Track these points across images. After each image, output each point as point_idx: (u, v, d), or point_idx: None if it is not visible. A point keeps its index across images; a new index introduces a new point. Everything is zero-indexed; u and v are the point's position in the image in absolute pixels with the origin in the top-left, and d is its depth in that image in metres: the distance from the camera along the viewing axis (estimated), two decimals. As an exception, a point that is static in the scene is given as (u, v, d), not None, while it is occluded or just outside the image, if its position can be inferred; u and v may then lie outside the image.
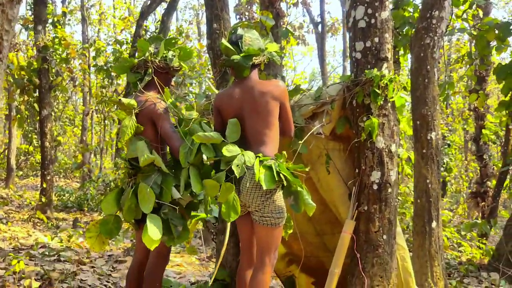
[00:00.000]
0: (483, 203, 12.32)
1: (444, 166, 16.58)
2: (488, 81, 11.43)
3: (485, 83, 11.15)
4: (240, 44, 4.09)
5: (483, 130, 10.80)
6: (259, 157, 3.85)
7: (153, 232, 3.73)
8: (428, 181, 6.07)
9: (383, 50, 4.53)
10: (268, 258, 3.95)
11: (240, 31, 4.15)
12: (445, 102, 11.06)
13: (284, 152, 3.95)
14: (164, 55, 4.22)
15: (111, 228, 3.99)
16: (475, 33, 8.48)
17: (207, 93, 5.76)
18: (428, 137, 6.08)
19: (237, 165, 3.75)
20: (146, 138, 4.00)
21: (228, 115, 4.07)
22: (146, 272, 4.16)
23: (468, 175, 21.18)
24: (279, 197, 3.90)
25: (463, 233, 10.80)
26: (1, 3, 2.44)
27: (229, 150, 3.80)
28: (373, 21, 4.53)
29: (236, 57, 4.06)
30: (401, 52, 9.74)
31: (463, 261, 8.53)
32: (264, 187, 3.72)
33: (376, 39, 4.52)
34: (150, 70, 4.17)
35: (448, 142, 17.23)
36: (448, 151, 17.03)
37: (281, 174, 3.79)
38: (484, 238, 9.96)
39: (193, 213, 4.31)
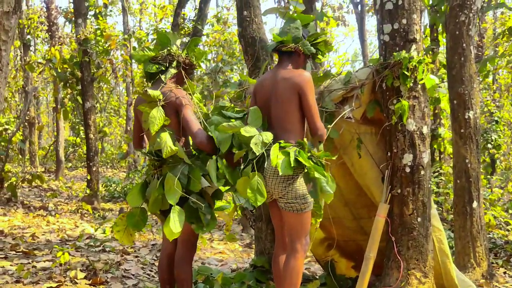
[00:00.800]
0: (532, 180, 12.01)
1: (492, 143, 16.27)
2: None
3: (532, 56, 10.88)
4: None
5: (530, 105, 10.57)
6: (280, 143, 3.86)
7: (175, 224, 3.79)
8: (467, 160, 5.98)
9: (411, 31, 4.47)
10: (299, 243, 3.96)
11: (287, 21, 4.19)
12: (487, 78, 10.83)
13: (305, 139, 3.94)
14: (188, 52, 4.29)
15: (138, 220, 4.06)
16: (514, 7, 8.26)
17: (239, 80, 5.79)
18: (466, 116, 5.99)
19: (255, 143, 3.79)
20: (170, 130, 4.04)
21: (259, 101, 4.13)
22: (176, 261, 4.24)
23: (519, 152, 20.74)
24: (301, 183, 3.90)
25: (511, 211, 10.60)
26: (-3, 15, 2.50)
27: (247, 130, 3.84)
28: (400, 2, 4.48)
29: (269, 44, 4.18)
30: (440, 29, 9.60)
31: (510, 240, 8.38)
32: (280, 173, 3.74)
33: (404, 21, 4.47)
34: (175, 63, 4.21)
35: (496, 118, 16.88)
36: (496, 127, 16.68)
37: (300, 161, 3.79)
38: (533, 215, 9.77)
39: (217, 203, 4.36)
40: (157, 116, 3.96)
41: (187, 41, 14.59)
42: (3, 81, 2.62)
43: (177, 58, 4.22)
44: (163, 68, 4.21)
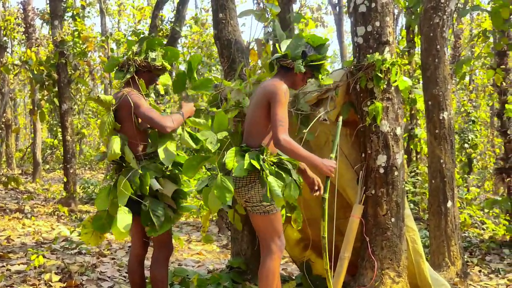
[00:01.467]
0: (508, 179, 12.18)
1: (469, 143, 16.43)
2: (510, 56, 11.25)
3: (507, 58, 10.99)
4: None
5: (506, 105, 10.67)
6: (242, 147, 3.95)
7: (122, 224, 3.86)
8: (442, 161, 6.05)
9: (384, 34, 4.52)
10: (273, 244, 4.00)
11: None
12: (463, 79, 10.93)
13: (264, 145, 3.99)
14: (146, 55, 4.26)
15: (104, 223, 4.10)
16: (488, 8, 8.35)
17: (214, 83, 5.79)
18: (441, 117, 6.05)
19: (210, 142, 3.93)
20: (125, 134, 4.06)
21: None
22: (151, 262, 4.28)
23: (495, 151, 20.94)
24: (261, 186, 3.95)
25: (486, 210, 10.71)
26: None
27: (203, 134, 4.01)
28: (373, 5, 4.52)
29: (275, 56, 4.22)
30: (416, 31, 9.68)
31: (485, 239, 8.48)
32: (233, 174, 3.83)
33: (377, 23, 4.51)
34: (132, 69, 4.21)
35: (473, 118, 17.05)
36: (473, 127, 16.85)
37: (254, 164, 3.83)
38: (508, 214, 9.87)
39: (185, 203, 4.38)
40: (107, 121, 3.99)
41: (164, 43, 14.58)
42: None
43: (133, 63, 4.22)
44: (128, 75, 4.22)
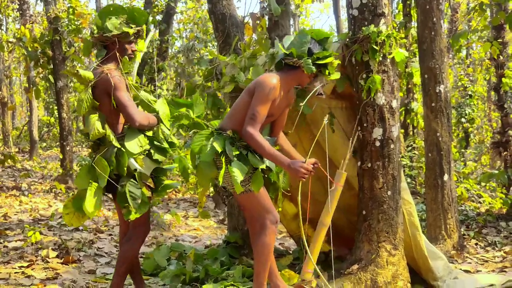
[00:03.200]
0: (505, 153, 12.21)
1: (466, 117, 16.42)
2: (507, 29, 11.19)
3: (504, 31, 10.94)
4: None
5: (503, 79, 10.64)
6: (213, 132, 3.97)
7: (89, 203, 3.80)
8: (438, 134, 6.05)
9: (379, 5, 4.46)
10: (266, 219, 3.97)
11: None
12: (459, 53, 10.88)
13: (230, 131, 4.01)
14: (101, 27, 4.03)
15: (87, 202, 3.92)
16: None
17: (210, 57, 5.76)
18: (437, 90, 6.04)
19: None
20: (102, 112, 3.95)
21: None
22: (123, 239, 4.20)
23: (492, 125, 20.94)
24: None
25: (483, 184, 10.73)
26: None
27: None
28: (368, -24, 4.46)
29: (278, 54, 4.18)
30: (413, 5, 9.60)
31: (482, 212, 8.50)
32: (200, 159, 3.87)
33: (373, -5, 4.46)
34: (99, 46, 4.06)
35: (470, 92, 17.02)
36: (470, 101, 16.83)
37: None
38: (504, 188, 9.89)
39: (166, 181, 4.30)
40: (85, 98, 3.85)
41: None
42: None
43: (96, 40, 4.06)
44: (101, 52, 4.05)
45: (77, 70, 3.90)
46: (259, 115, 3.86)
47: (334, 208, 4.44)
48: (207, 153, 3.84)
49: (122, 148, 3.91)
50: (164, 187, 4.28)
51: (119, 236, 4.33)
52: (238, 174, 3.79)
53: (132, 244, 4.10)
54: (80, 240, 6.25)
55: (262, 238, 3.96)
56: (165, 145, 4.13)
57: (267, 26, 6.65)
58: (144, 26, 4.20)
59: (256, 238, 4.00)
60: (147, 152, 4.04)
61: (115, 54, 4.04)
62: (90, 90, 3.89)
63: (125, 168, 3.90)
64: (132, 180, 3.95)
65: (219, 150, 3.83)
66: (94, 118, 3.87)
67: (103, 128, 3.89)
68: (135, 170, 3.94)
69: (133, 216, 3.90)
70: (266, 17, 7.19)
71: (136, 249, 4.16)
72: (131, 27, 4.07)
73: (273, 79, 3.91)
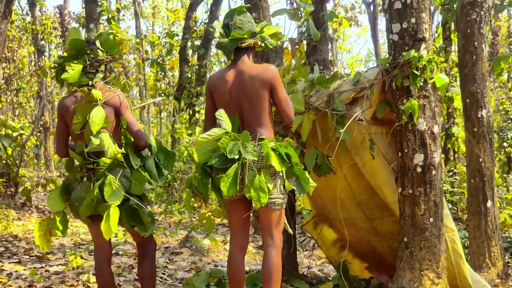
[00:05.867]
0: (549, 178, 11.94)
1: (508, 141, 16.14)
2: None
3: (547, 54, 10.79)
4: (230, 26, 4.08)
5: (545, 103, 10.50)
6: (263, 139, 3.89)
7: (113, 223, 3.75)
8: (481, 159, 5.93)
9: (420, 30, 4.43)
10: (279, 238, 4.02)
11: (234, 14, 4.12)
12: (501, 76, 10.73)
13: (277, 137, 4.08)
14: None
15: (58, 225, 4.02)
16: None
17: None
18: (479, 115, 5.94)
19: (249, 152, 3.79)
20: (108, 131, 3.97)
21: (219, 99, 4.08)
22: (140, 260, 4.25)
23: (537, 150, 20.51)
24: (282, 178, 3.97)
25: (527, 210, 10.48)
26: (-13, 20, 2.51)
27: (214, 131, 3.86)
28: (409, 1, 4.44)
29: (223, 40, 4.09)
30: (452, 28, 9.52)
31: (527, 239, 8.29)
32: (278, 169, 3.80)
33: (413, 20, 4.43)
34: (102, 67, 4.12)
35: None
36: (512, 125, 16.54)
37: (284, 155, 3.87)
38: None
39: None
40: (99, 116, 3.85)
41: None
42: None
43: (105, 62, 4.14)
44: (92, 76, 4.09)
45: (89, 89, 3.95)
46: (288, 99, 4.13)
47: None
48: (282, 163, 3.88)
49: (136, 168, 4.00)
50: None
51: (99, 262, 4.13)
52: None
53: (151, 260, 4.22)
54: (120, 265, 6.28)
55: (277, 258, 3.98)
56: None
57: (305, 51, 6.65)
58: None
59: (270, 258, 3.96)
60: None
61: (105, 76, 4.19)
62: (102, 109, 3.90)
63: (143, 187, 3.96)
64: (139, 199, 4.01)
65: (294, 158, 3.93)
66: (106, 137, 3.89)
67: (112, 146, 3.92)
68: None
69: (147, 233, 3.99)
70: (305, 42, 7.20)
71: (155, 264, 4.30)
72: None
73: (271, 66, 4.04)
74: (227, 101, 4.02)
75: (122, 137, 4.09)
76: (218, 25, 4.17)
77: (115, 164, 3.94)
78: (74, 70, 4.02)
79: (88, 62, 4.05)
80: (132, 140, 4.10)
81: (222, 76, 4.07)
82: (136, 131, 4.05)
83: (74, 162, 4.14)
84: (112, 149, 3.85)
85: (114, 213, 3.76)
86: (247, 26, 4.07)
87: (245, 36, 4.05)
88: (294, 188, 3.97)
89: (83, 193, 3.90)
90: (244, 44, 4.05)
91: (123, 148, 4.04)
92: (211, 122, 4.15)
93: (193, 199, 4.37)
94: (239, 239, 4.11)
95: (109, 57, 4.12)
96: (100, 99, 3.91)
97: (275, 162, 3.78)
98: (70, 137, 4.19)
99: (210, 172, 4.07)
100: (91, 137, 3.86)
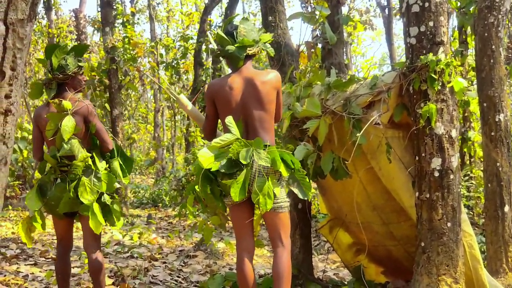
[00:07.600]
0: None
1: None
2: None
3: None
4: (235, 34, 4.15)
5: (562, 107, 10.41)
6: (268, 145, 3.97)
7: (100, 218, 4.29)
8: (498, 164, 5.89)
9: (438, 34, 4.41)
10: (288, 240, 4.09)
11: (236, 22, 4.22)
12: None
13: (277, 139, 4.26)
14: (59, 66, 4.43)
15: (39, 221, 4.46)
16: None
17: None
18: (497, 119, 5.89)
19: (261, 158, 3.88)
20: (78, 137, 4.37)
21: (224, 106, 4.14)
22: (88, 250, 4.53)
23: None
24: (286, 182, 4.09)
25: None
26: (12, 23, 2.52)
27: (226, 137, 3.96)
28: (427, 4, 4.41)
29: (230, 47, 4.14)
30: (469, 32, 9.46)
31: (543, 245, 8.20)
32: (284, 175, 3.91)
33: (431, 23, 4.41)
34: (53, 85, 4.44)
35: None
36: (529, 129, 16.37)
37: (288, 161, 3.96)
38: None
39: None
40: (69, 124, 4.22)
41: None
42: (19, 89, 2.66)
43: (54, 80, 4.45)
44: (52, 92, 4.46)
45: (60, 100, 4.28)
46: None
47: None
48: (289, 168, 3.99)
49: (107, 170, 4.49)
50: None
51: (60, 254, 4.63)
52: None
53: (99, 250, 4.56)
54: (135, 267, 6.29)
55: (288, 260, 4.04)
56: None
57: (321, 54, 6.63)
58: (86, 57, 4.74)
59: (282, 260, 4.02)
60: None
61: (72, 87, 4.48)
62: (72, 118, 4.27)
63: (115, 185, 4.46)
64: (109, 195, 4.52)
65: (297, 165, 4.06)
66: (76, 143, 4.29)
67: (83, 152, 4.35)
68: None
69: (118, 226, 4.61)
70: (320, 46, 7.19)
71: (102, 254, 4.66)
72: (80, 61, 4.51)
73: (276, 72, 4.20)
74: (232, 107, 4.09)
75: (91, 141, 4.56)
76: (220, 33, 4.23)
77: (87, 167, 4.36)
78: (35, 88, 4.58)
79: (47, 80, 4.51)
80: (99, 144, 4.54)
81: (226, 84, 4.13)
82: (103, 137, 4.49)
83: (46, 165, 4.54)
84: (82, 153, 4.29)
85: (97, 210, 4.29)
86: (250, 34, 4.16)
87: (252, 43, 4.13)
88: (296, 193, 4.06)
89: (58, 193, 4.32)
90: (251, 52, 4.14)
91: (91, 151, 4.48)
92: (212, 128, 4.34)
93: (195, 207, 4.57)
94: (245, 242, 4.15)
95: (59, 75, 4.41)
96: (70, 109, 4.27)
97: (282, 168, 3.87)
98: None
99: (212, 178, 4.11)
100: (62, 143, 4.26)
